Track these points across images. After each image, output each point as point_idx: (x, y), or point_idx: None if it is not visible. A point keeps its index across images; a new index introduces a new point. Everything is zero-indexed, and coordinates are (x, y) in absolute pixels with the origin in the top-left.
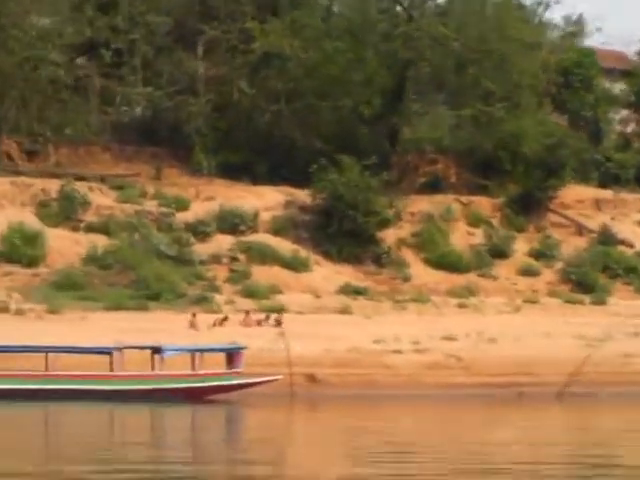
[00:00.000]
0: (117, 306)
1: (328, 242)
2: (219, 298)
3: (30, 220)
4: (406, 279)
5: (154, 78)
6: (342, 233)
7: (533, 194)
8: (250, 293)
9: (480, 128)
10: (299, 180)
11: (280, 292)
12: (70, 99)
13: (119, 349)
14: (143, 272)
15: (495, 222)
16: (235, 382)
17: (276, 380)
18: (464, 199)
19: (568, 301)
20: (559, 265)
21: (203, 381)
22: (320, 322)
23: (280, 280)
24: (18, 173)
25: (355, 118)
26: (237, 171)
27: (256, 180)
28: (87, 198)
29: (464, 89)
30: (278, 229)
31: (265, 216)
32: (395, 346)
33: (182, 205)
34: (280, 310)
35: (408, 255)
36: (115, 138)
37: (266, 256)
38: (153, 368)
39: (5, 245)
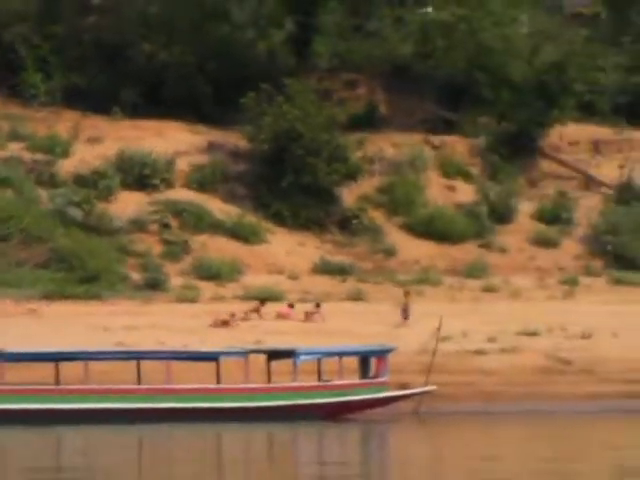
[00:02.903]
0: (59, 294)
1: (278, 201)
2: (175, 281)
3: None
4: (389, 252)
5: None
6: (298, 189)
7: (526, 133)
8: (207, 274)
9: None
10: (188, 113)
11: (240, 272)
12: None
13: (242, 354)
14: (60, 245)
15: (475, 171)
16: (382, 395)
17: (428, 392)
18: (436, 140)
19: (620, 281)
20: (578, 231)
21: (345, 395)
22: (339, 314)
23: (231, 255)
24: None
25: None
26: (88, 99)
27: (123, 112)
28: None
29: None
30: (203, 183)
31: (181, 165)
32: (472, 345)
33: (60, 150)
34: (265, 299)
35: (378, 218)
36: None
37: (202, 221)
38: (269, 378)
39: None
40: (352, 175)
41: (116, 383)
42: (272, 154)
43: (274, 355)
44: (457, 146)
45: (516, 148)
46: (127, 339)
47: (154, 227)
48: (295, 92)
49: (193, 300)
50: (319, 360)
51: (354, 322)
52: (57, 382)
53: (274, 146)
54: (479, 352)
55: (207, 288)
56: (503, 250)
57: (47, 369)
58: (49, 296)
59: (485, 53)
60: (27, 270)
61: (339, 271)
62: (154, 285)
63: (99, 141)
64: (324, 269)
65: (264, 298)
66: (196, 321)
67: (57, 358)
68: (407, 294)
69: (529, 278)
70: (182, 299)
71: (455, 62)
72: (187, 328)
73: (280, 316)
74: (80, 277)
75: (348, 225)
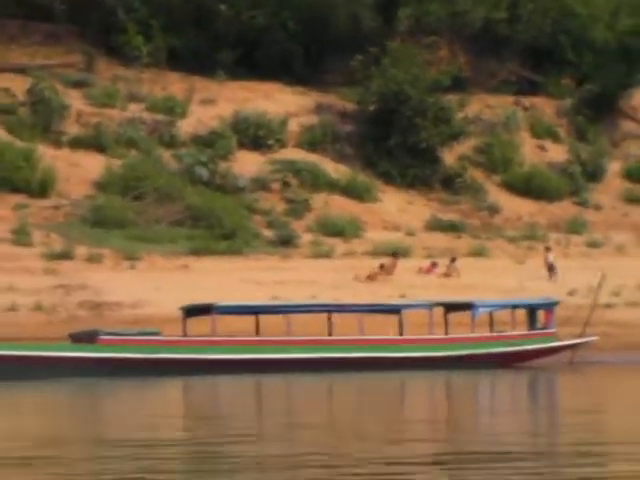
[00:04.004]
0: (204, 250)
1: (385, 161)
2: (305, 237)
3: None
4: (493, 210)
5: None
6: (404, 149)
7: (607, 94)
8: (332, 230)
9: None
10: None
11: (361, 229)
12: None
13: (426, 306)
14: (192, 203)
15: (562, 132)
16: (551, 345)
17: (591, 342)
18: (526, 101)
19: None
20: None
21: (518, 344)
22: (466, 270)
23: (349, 212)
24: None
25: None
26: (187, 61)
27: (220, 73)
28: (63, 101)
29: None
30: (313, 144)
31: (291, 126)
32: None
33: (180, 110)
34: (397, 254)
35: (479, 177)
36: None
37: (318, 180)
38: (446, 330)
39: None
40: (455, 136)
41: (308, 335)
42: (380, 115)
43: (452, 307)
44: (544, 107)
45: (598, 109)
46: (279, 293)
47: (276, 186)
48: (400, 55)
49: (328, 255)
50: (491, 312)
51: (483, 276)
52: (257, 333)
53: (382, 108)
54: (608, 305)
55: (336, 244)
56: (598, 207)
57: (246, 321)
58: (195, 252)
59: (568, 16)
60: (164, 227)
61: (451, 228)
62: (286, 242)
63: (213, 103)
64: (437, 226)
65: (394, 253)
66: (338, 275)
67: (258, 311)
68: (548, 250)
69: (626, 234)
70: (317, 255)
71: (540, 25)
72: (332, 282)
73: (422, 272)
74: (218, 234)
75: (451, 184)
